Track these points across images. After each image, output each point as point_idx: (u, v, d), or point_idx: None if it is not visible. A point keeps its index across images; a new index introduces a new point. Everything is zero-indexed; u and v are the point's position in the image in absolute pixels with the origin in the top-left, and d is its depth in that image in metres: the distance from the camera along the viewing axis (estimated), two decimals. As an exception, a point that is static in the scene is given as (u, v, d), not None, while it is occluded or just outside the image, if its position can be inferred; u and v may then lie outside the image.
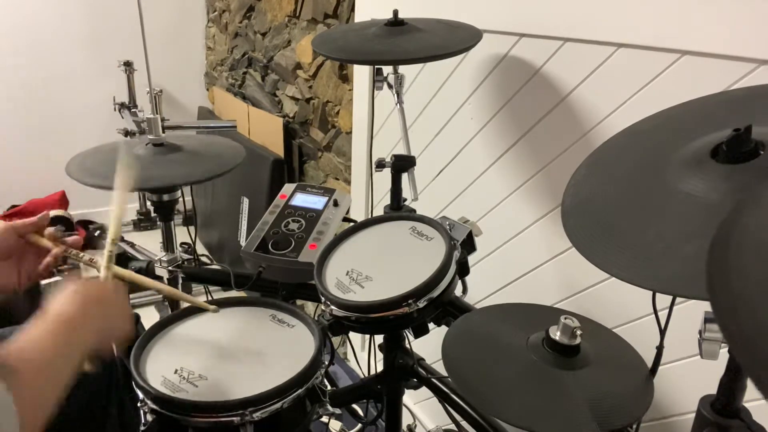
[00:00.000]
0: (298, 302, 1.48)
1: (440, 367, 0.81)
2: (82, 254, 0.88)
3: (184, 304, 0.97)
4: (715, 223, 0.41)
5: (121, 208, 0.89)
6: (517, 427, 0.67)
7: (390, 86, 1.19)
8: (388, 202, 1.17)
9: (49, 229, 0.88)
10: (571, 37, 1.10)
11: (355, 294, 0.89)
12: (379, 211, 1.44)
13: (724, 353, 0.57)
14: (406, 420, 1.21)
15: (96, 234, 3.12)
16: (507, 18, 1.23)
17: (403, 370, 1.08)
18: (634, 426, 0.69)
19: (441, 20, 1.21)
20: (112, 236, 0.86)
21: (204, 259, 1.41)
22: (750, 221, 0.40)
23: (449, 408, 1.00)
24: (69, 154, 1.22)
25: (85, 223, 3.23)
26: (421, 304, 0.84)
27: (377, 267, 0.93)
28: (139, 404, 0.79)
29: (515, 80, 1.24)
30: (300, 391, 0.79)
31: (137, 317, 1.02)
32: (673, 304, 0.67)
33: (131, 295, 1.40)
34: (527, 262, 1.29)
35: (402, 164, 1.13)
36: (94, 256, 0.88)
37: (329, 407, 0.85)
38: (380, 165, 1.14)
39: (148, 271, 1.35)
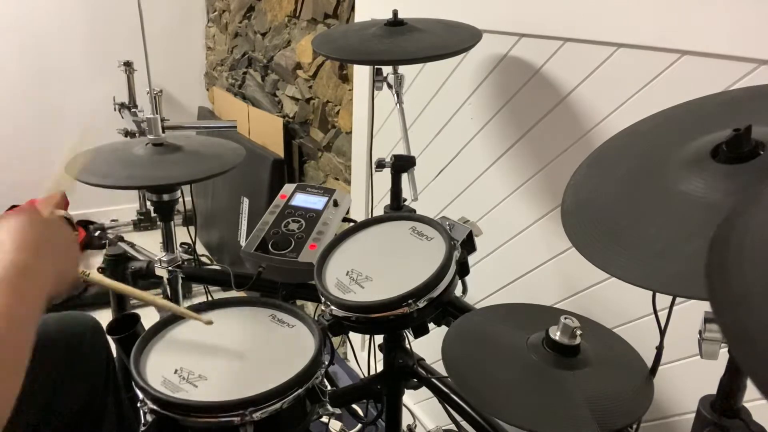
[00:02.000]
0: (298, 302, 1.48)
1: (440, 367, 0.81)
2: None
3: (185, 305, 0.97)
4: (715, 223, 0.41)
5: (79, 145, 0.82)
6: (517, 427, 0.67)
7: (390, 86, 1.19)
8: (388, 202, 1.17)
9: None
10: (571, 37, 1.10)
11: (355, 294, 0.89)
12: (379, 211, 1.44)
13: (724, 353, 0.57)
14: (406, 420, 1.21)
15: (96, 234, 3.12)
16: (507, 18, 1.23)
17: (403, 370, 1.08)
18: (634, 426, 0.69)
19: (441, 20, 1.20)
20: (63, 165, 0.77)
21: (204, 259, 1.42)
22: (750, 221, 0.40)
23: (449, 408, 1.00)
24: (69, 154, 1.22)
25: (85, 223, 3.23)
26: (421, 304, 0.84)
27: (377, 267, 0.93)
28: (138, 404, 0.79)
29: (515, 80, 1.24)
30: (300, 391, 0.79)
31: (137, 317, 1.02)
32: (673, 304, 0.67)
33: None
34: (527, 262, 1.29)
35: (402, 164, 1.13)
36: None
37: (329, 407, 0.85)
38: (380, 165, 1.14)
39: (148, 271, 1.35)
